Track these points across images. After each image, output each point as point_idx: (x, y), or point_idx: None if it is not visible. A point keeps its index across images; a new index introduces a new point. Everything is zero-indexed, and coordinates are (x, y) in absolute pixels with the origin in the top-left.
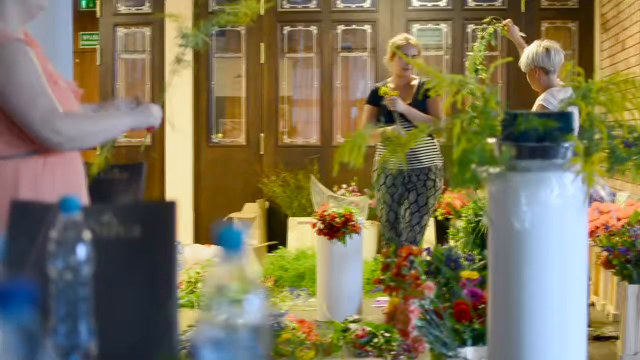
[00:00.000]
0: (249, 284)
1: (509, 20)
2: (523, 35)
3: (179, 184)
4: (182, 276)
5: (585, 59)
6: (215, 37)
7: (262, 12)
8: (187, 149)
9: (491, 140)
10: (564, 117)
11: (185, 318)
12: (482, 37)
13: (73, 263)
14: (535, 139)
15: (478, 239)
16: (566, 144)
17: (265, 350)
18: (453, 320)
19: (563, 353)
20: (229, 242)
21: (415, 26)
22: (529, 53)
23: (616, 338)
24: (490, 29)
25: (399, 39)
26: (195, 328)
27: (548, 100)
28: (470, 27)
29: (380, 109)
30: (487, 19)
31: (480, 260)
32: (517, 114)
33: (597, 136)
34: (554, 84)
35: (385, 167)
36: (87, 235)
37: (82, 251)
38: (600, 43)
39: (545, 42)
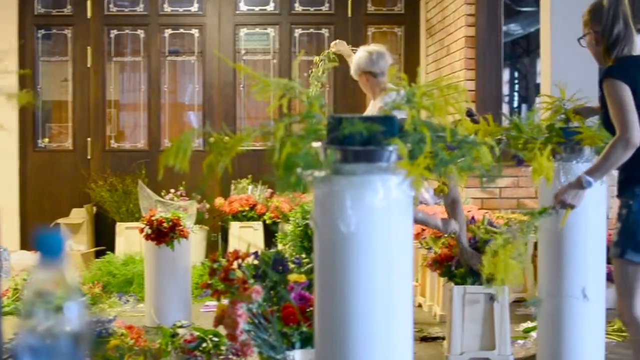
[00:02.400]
0: (70, 291)
1: (335, 42)
2: (354, 49)
3: (4, 189)
4: (8, 283)
5: (411, 64)
6: (41, 41)
7: (89, 15)
8: (13, 153)
9: (316, 144)
10: (388, 121)
11: (11, 326)
12: (315, 77)
13: None
14: (360, 143)
15: (306, 242)
16: (390, 148)
17: (87, 356)
18: (281, 323)
19: (389, 354)
20: (49, 248)
21: (243, 30)
22: (355, 60)
23: (443, 338)
24: (317, 59)
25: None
26: (17, 336)
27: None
28: (298, 32)
29: None
30: (318, 58)
31: (308, 263)
32: (341, 118)
33: (421, 140)
34: (385, 86)
35: None
36: None
37: None
38: (425, 48)
39: (370, 47)
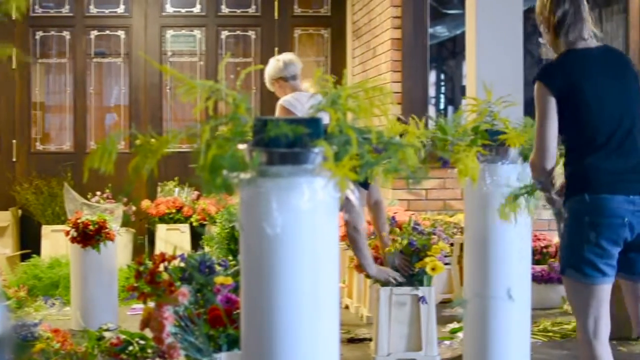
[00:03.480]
0: None
1: None
2: None
3: None
4: None
5: (337, 66)
6: None
7: (13, 16)
8: None
9: (242, 146)
10: (313, 123)
11: None
12: None
13: None
14: (285, 145)
15: (233, 244)
16: (316, 150)
17: None
18: (207, 326)
19: (316, 355)
20: None
21: (170, 32)
22: (266, 71)
23: (370, 340)
24: None
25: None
26: None
27: (288, 100)
28: (224, 34)
29: None
30: None
31: (234, 266)
32: (267, 120)
33: (346, 142)
34: (299, 89)
35: None
36: None
37: None
38: (352, 50)
39: (278, 56)
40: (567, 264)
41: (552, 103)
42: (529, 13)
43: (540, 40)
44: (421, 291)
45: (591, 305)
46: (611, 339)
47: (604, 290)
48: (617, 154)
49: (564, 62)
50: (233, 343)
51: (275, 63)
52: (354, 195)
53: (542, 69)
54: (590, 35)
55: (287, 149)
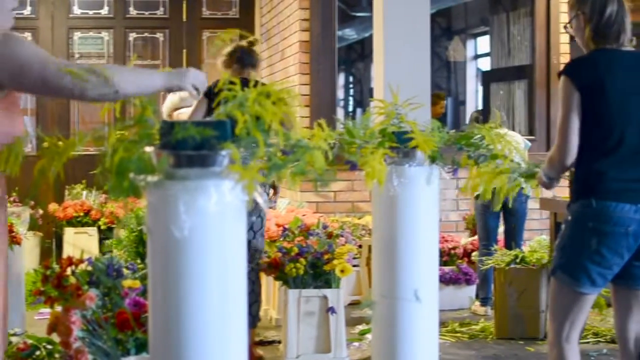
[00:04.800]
0: None
1: None
2: None
3: None
4: None
5: None
6: None
7: None
8: None
9: (149, 149)
10: (220, 126)
11: None
12: None
13: None
14: (193, 147)
15: (141, 248)
16: (223, 152)
17: None
18: (115, 330)
19: (224, 358)
20: None
21: (77, 34)
22: (164, 105)
23: (279, 342)
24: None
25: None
26: None
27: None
28: (132, 36)
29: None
30: None
31: (142, 269)
32: (174, 122)
33: (254, 144)
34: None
35: None
36: None
37: None
38: (260, 52)
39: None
40: (559, 266)
41: (576, 98)
42: (436, 16)
43: (568, 30)
44: (330, 301)
45: (572, 311)
46: (518, 338)
47: (589, 299)
48: (630, 162)
49: (593, 58)
50: (141, 347)
51: (172, 97)
52: (262, 197)
53: (569, 64)
54: (627, 40)
55: (195, 152)
